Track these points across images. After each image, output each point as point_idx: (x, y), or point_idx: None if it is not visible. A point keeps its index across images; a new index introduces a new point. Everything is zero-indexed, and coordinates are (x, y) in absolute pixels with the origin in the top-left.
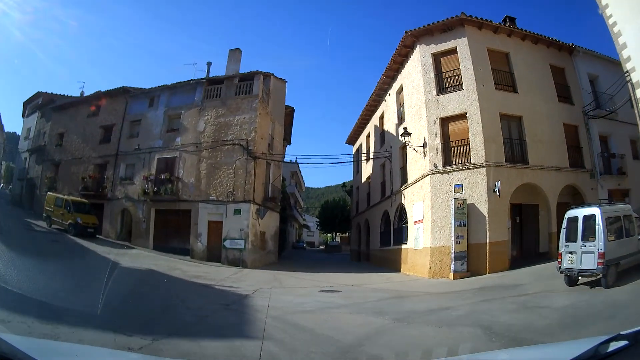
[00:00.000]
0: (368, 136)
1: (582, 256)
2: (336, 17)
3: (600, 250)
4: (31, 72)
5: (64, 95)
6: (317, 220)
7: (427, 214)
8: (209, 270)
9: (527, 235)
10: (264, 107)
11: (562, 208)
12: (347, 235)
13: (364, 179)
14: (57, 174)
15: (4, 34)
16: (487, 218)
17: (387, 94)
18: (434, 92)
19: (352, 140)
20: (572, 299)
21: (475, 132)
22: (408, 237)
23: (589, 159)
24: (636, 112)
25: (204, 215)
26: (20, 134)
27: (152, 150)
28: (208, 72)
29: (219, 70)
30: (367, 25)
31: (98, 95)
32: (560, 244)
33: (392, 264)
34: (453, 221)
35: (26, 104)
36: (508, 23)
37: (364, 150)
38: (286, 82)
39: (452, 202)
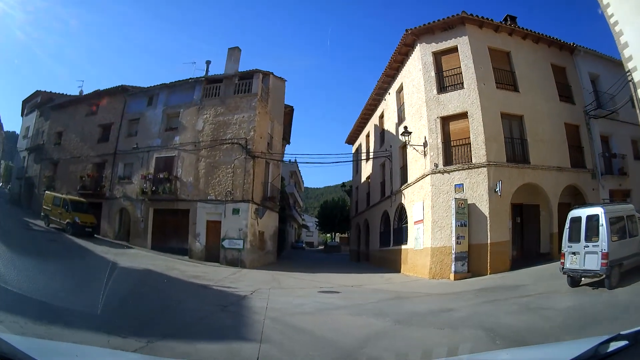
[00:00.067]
0: (368, 136)
1: (586, 257)
2: (336, 17)
3: (603, 251)
4: (31, 71)
5: (62, 94)
6: (316, 220)
7: (428, 214)
8: (207, 271)
9: (528, 236)
10: (263, 106)
11: (564, 208)
12: (346, 235)
13: (363, 179)
14: (55, 173)
15: (6, 33)
16: (488, 218)
17: (387, 93)
18: (435, 91)
19: (351, 139)
20: (576, 300)
21: (476, 132)
22: (408, 237)
23: (590, 159)
24: (637, 112)
25: (202, 214)
26: (19, 132)
27: (151, 149)
28: (207, 70)
29: (218, 69)
30: (367, 25)
31: (97, 94)
32: (563, 245)
33: (392, 264)
34: (454, 221)
35: (25, 102)
36: (509, 22)
37: (364, 149)
38: (285, 81)
39: (453, 202)
